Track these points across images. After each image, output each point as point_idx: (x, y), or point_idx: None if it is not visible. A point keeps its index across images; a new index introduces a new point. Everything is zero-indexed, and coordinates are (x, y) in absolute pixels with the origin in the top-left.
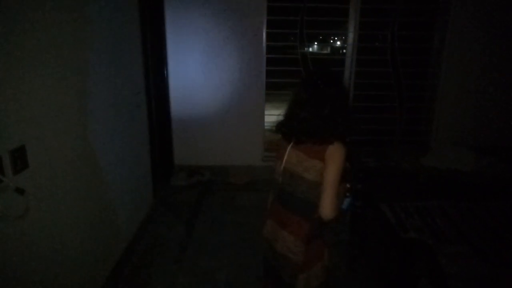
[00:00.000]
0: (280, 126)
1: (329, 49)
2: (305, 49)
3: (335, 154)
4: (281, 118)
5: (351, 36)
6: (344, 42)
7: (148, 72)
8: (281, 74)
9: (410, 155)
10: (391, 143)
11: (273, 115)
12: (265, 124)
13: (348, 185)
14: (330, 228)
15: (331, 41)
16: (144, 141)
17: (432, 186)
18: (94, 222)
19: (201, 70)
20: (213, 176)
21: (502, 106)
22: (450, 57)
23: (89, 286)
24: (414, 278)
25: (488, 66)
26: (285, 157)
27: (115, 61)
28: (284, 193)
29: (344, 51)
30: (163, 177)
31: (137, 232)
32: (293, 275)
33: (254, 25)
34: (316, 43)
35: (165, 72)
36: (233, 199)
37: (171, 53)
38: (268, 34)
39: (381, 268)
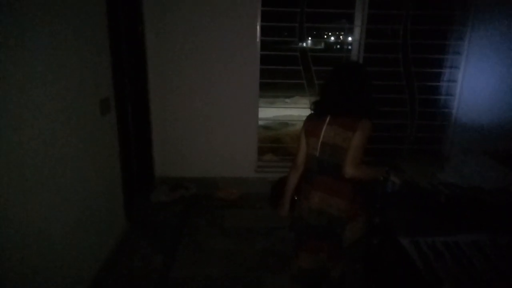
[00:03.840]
0: (316, 105)
1: (322, 44)
2: (304, 44)
3: (364, 125)
4: (316, 99)
5: (357, 31)
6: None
7: (119, 75)
8: (277, 73)
9: (425, 168)
10: (400, 152)
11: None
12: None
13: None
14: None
15: (340, 36)
16: (112, 153)
17: (457, 210)
18: (39, 266)
19: (186, 71)
20: (199, 190)
21: None
22: (470, 55)
23: None
24: None
25: None
26: (323, 133)
27: (67, 63)
28: (326, 164)
29: (350, 47)
30: (140, 193)
31: (102, 268)
32: (343, 228)
33: (247, 17)
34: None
35: (145, 74)
36: (222, 219)
37: (151, 52)
38: (262, 28)
39: None
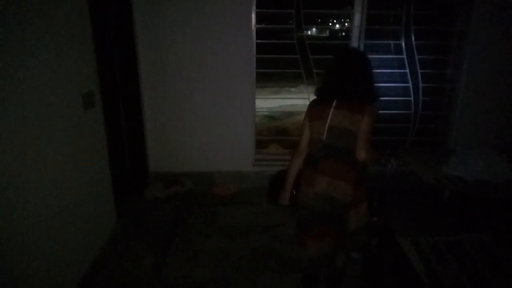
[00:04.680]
0: (321, 91)
1: (328, 32)
2: (303, 32)
3: (370, 111)
4: (319, 86)
5: (357, 17)
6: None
7: (107, 68)
8: (280, 63)
9: (429, 160)
10: (403, 144)
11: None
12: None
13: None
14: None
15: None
16: (100, 149)
17: (461, 207)
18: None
19: (179, 62)
20: (195, 185)
21: None
22: (476, 42)
23: None
24: None
25: None
26: (330, 116)
27: (42, 55)
28: (332, 148)
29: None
30: (134, 190)
31: (90, 269)
32: (347, 213)
33: (241, 4)
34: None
35: (136, 67)
36: (217, 216)
37: (142, 44)
38: (266, 15)
39: None
